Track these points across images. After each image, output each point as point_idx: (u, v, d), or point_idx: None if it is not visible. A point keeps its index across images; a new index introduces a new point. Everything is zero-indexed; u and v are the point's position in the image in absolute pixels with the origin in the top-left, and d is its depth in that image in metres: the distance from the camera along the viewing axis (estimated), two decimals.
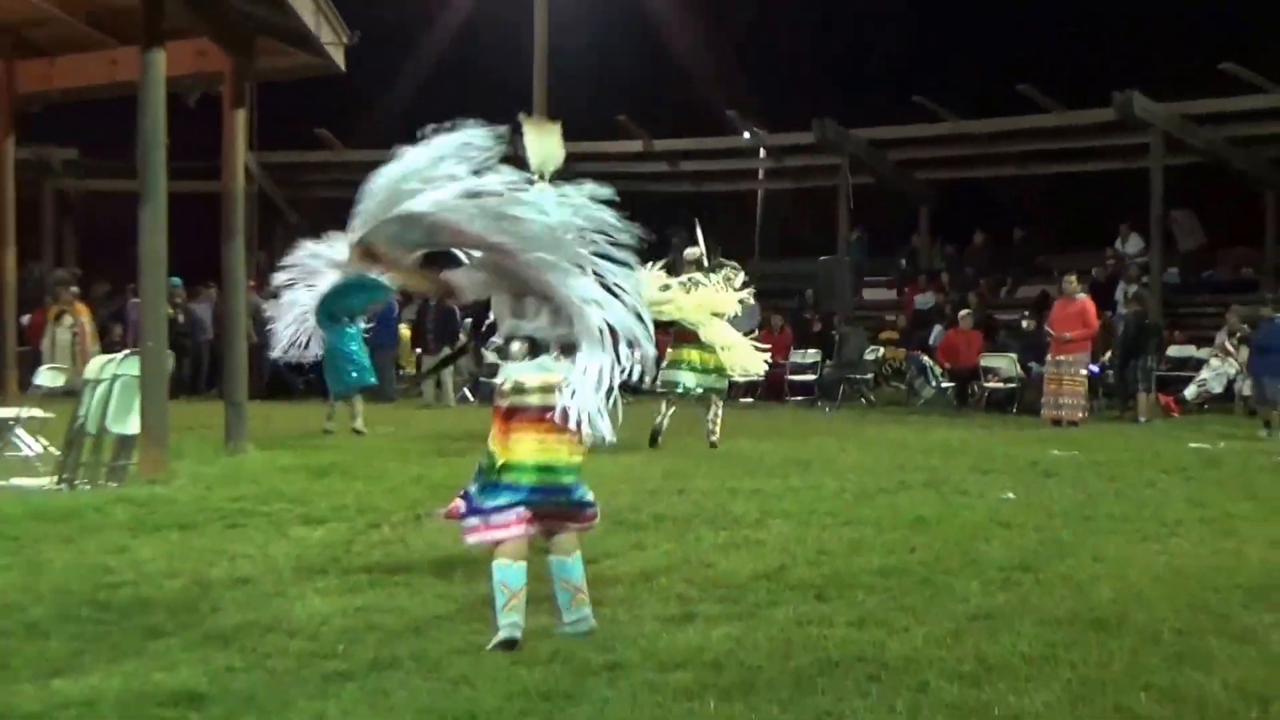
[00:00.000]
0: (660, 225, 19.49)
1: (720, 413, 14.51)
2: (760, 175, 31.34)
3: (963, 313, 23.11)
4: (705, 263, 14.46)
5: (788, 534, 8.77)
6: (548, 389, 6.00)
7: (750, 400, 22.32)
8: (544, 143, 6.32)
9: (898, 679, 5.47)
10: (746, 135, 29.48)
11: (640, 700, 5.18)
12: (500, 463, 6.10)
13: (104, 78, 14.79)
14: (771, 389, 22.56)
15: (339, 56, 13.62)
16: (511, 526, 6.04)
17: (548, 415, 5.97)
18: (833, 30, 33.24)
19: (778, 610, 6.68)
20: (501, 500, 6.07)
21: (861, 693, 5.29)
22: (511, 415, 6.13)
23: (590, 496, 6.33)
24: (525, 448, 6.07)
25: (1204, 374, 20.72)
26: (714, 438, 14.23)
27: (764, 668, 5.62)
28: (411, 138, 5.91)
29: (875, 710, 5.09)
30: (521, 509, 6.06)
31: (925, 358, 22.67)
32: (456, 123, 5.96)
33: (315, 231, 6.62)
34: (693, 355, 14.26)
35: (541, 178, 6.18)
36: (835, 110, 27.68)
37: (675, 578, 7.41)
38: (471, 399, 22.80)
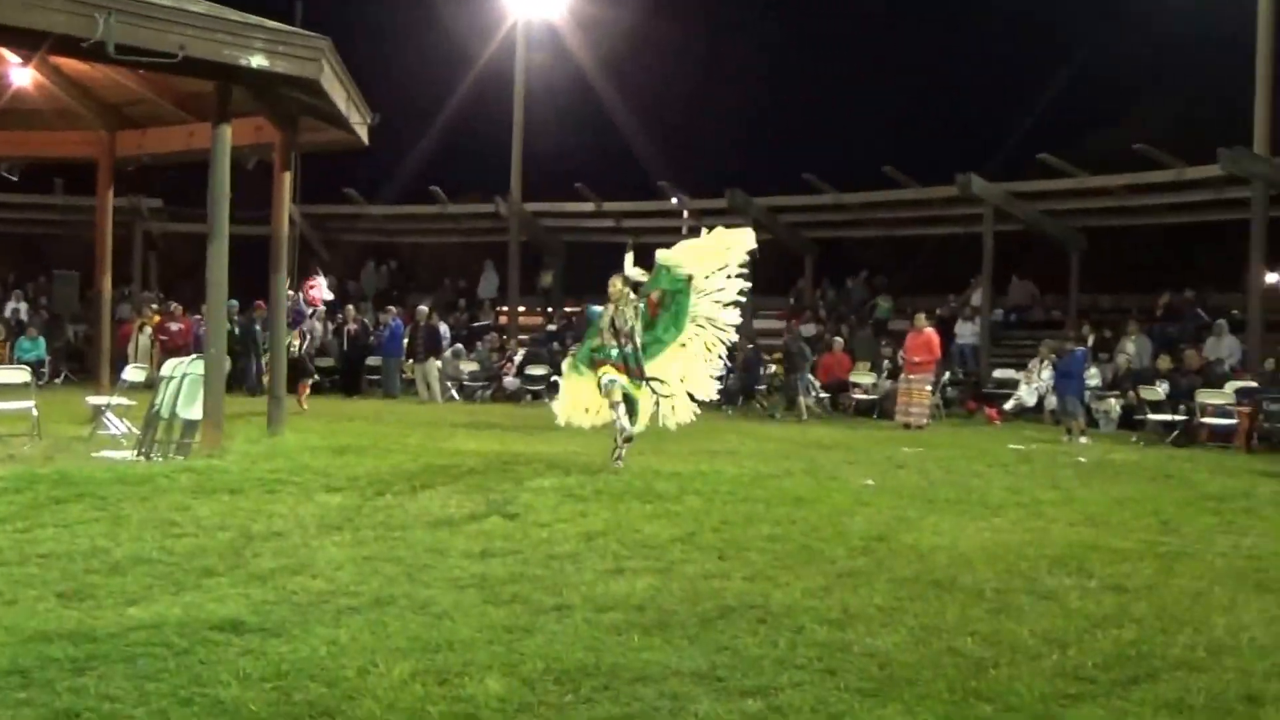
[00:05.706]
0: (605, 268, 19.50)
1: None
2: (684, 231, 31.34)
3: (836, 340, 23.11)
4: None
5: (698, 507, 8.70)
6: None
7: None
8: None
9: (780, 622, 5.45)
10: (674, 200, 29.56)
11: (581, 634, 5.14)
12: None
13: (183, 145, 14.68)
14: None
15: (364, 133, 13.45)
16: None
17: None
18: (750, 116, 33.65)
19: (689, 566, 6.64)
20: None
21: (752, 632, 5.26)
22: None
23: None
24: None
25: (1019, 391, 20.80)
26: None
27: (677, 611, 5.57)
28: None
29: (762, 646, 5.06)
30: None
31: (810, 375, 22.58)
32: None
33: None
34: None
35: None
36: (742, 181, 27.83)
37: (611, 539, 7.35)
38: (457, 397, 22.62)
